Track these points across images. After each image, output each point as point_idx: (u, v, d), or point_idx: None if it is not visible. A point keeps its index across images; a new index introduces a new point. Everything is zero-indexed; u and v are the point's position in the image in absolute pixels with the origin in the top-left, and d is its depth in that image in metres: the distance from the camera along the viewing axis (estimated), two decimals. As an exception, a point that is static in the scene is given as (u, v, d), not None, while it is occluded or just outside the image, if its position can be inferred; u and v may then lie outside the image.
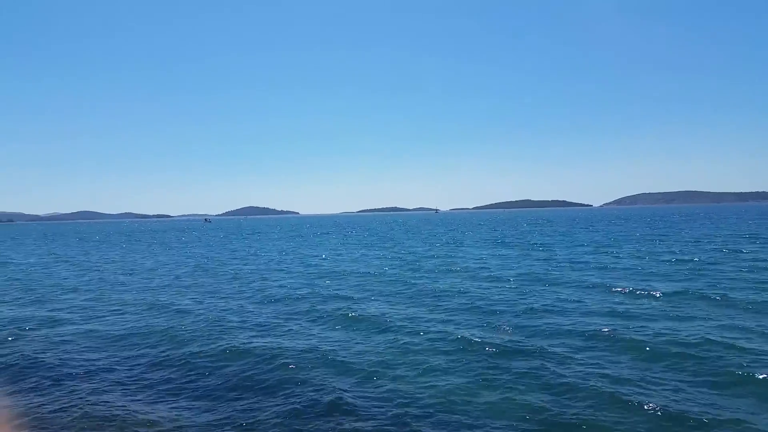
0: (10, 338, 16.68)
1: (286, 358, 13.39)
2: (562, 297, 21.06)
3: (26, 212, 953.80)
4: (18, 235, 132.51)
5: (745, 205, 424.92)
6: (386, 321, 17.47)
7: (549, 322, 16.67)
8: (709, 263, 30.62)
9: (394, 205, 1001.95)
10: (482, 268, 32.35)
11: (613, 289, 22.25)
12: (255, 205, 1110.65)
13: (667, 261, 32.50)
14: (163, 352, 14.72)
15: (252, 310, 20.51)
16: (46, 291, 27.56)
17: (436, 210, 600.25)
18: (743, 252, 36.56)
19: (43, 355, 14.52)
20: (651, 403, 9.83)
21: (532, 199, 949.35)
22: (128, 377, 12.66)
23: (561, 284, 24.46)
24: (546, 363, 12.45)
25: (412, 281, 27.17)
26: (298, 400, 10.64)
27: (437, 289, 23.86)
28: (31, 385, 12.14)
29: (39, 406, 10.81)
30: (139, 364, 13.68)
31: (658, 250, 40.89)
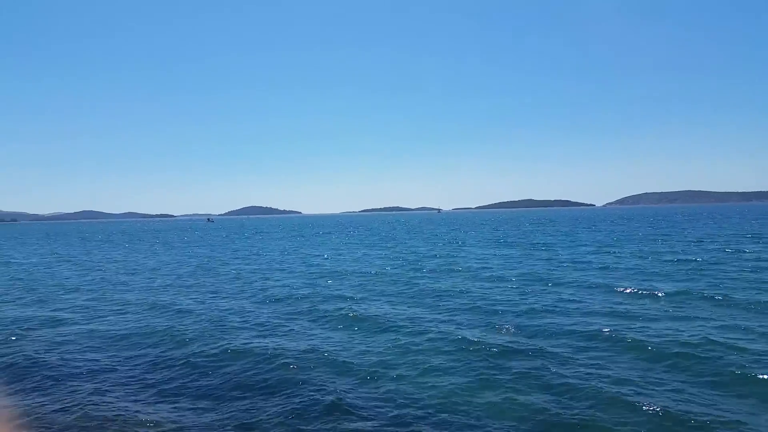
0: (12, 338, 16.71)
1: (288, 358, 13.39)
2: (563, 297, 21.03)
3: (29, 212, 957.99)
4: (21, 235, 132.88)
5: (748, 205, 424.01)
6: (387, 321, 17.46)
7: (550, 323, 16.64)
8: (711, 263, 30.54)
9: (396, 205, 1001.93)
10: (484, 268, 32.32)
11: (615, 290, 22.21)
12: (257, 205, 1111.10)
13: (670, 261, 32.43)
14: (165, 352, 14.74)
15: (253, 310, 20.52)
16: (48, 291, 27.62)
17: (439, 210, 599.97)
18: (746, 252, 36.46)
19: (44, 355, 14.55)
20: (652, 403, 9.80)
21: (535, 199, 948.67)
22: (130, 377, 12.68)
23: (563, 284, 24.42)
24: (547, 363, 12.44)
25: (414, 281, 27.17)
26: (299, 400, 10.64)
27: (439, 289, 23.84)
28: (32, 385, 12.17)
29: (40, 405, 10.83)
30: (140, 364, 13.70)
31: (661, 250, 40.80)
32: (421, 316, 18.51)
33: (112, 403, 10.88)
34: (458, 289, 23.58)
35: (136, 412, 10.38)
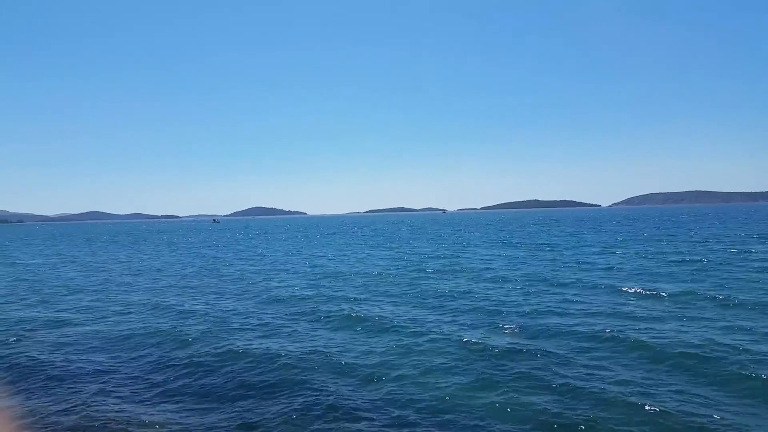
0: (15, 339, 16.77)
1: (290, 358, 13.40)
2: (567, 298, 20.96)
3: (35, 213, 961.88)
4: (27, 236, 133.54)
5: (755, 205, 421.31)
6: (390, 322, 17.43)
7: (554, 323, 16.58)
8: (717, 264, 30.36)
9: (401, 206, 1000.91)
10: (488, 268, 32.25)
11: (620, 290, 22.11)
12: (262, 206, 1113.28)
13: (675, 261, 32.25)
14: (168, 352, 14.75)
15: (256, 310, 20.54)
16: (52, 291, 27.72)
17: (444, 210, 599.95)
18: (752, 252, 36.24)
19: (48, 356, 14.60)
20: (655, 404, 9.75)
21: (540, 199, 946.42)
22: (133, 377, 12.70)
23: (567, 285, 24.32)
24: (551, 364, 12.40)
25: (418, 282, 27.13)
26: (301, 401, 10.63)
27: (442, 290, 23.79)
28: (35, 386, 12.19)
29: (44, 406, 10.86)
30: (143, 365, 13.72)
31: (666, 250, 40.59)
32: (424, 316, 18.48)
33: (115, 403, 10.90)
34: (462, 290, 23.53)
35: (140, 412, 10.40)
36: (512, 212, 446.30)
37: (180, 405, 10.86)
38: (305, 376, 12.16)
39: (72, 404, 10.83)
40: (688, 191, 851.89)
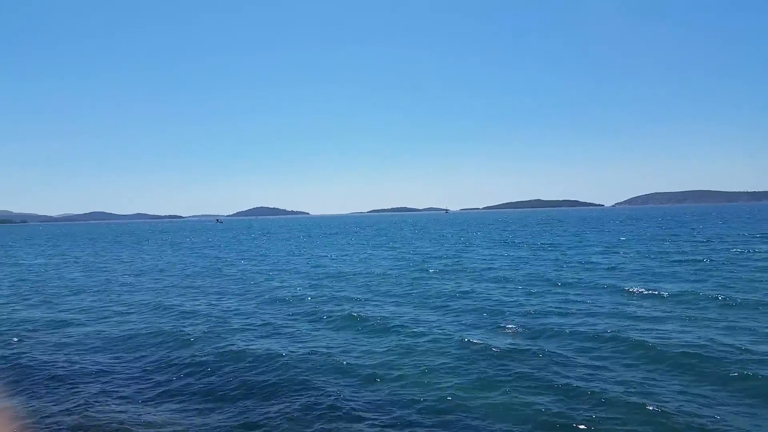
0: (17, 339, 16.82)
1: (292, 358, 13.41)
2: (569, 298, 20.92)
3: (39, 213, 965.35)
4: (30, 236, 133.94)
5: (758, 205, 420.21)
6: (392, 322, 17.42)
7: (556, 323, 16.55)
8: (719, 264, 30.27)
9: (404, 206, 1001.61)
10: (490, 268, 32.22)
11: (622, 290, 22.06)
12: (265, 206, 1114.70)
13: (677, 261, 32.17)
14: (170, 352, 14.77)
15: (258, 311, 20.56)
16: (54, 292, 27.79)
17: (447, 210, 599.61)
18: (755, 252, 36.13)
19: (49, 356, 14.63)
20: (657, 405, 9.72)
21: (543, 199, 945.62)
22: (134, 378, 12.72)
23: (569, 285, 24.28)
24: (552, 364, 12.38)
25: (420, 282, 27.13)
26: (303, 401, 10.63)
27: (444, 290, 23.78)
28: (36, 386, 12.20)
29: (45, 406, 10.87)
30: (145, 365, 13.74)
31: (669, 250, 40.51)
32: (426, 316, 18.47)
33: (117, 403, 10.93)
34: (463, 290, 23.51)
35: (142, 412, 10.42)
36: (515, 212, 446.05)
37: (182, 405, 10.87)
38: (307, 375, 12.16)
39: (74, 404, 10.84)
40: (692, 191, 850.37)
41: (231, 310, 20.61)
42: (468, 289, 23.90)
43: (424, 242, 62.63)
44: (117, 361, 14.19)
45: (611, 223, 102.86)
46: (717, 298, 19.51)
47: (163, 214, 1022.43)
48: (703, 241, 47.73)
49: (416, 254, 45.26)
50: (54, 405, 10.92)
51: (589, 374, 11.69)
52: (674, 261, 32.39)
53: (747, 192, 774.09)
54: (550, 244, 51.85)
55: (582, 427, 9.13)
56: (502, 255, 41.51)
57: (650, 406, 9.67)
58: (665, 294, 20.67)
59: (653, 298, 20.40)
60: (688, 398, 10.20)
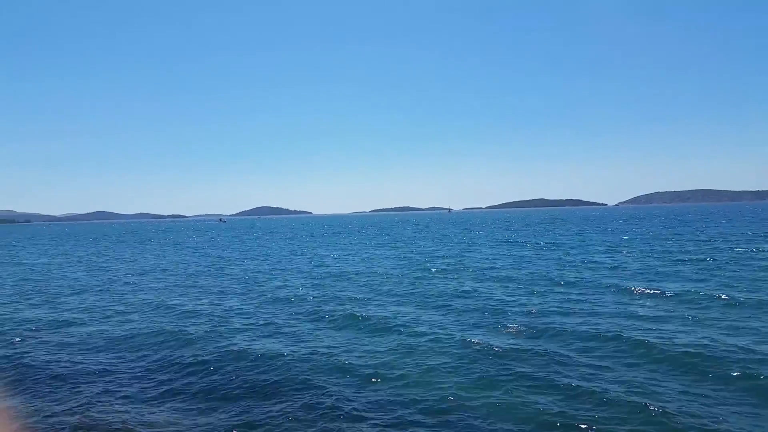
0: (19, 338, 16.87)
1: (293, 358, 13.42)
2: (572, 297, 20.88)
3: (43, 213, 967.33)
4: (33, 236, 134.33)
5: (762, 204, 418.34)
6: (394, 322, 17.42)
7: (558, 323, 16.52)
8: (723, 263, 30.18)
9: (407, 205, 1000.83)
10: (492, 268, 32.18)
11: (625, 290, 22.01)
12: (268, 205, 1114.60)
13: (681, 260, 32.09)
14: (172, 352, 14.79)
15: (260, 310, 20.58)
16: (57, 291, 27.85)
17: (449, 209, 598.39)
18: (759, 251, 36.00)
19: (52, 356, 14.67)
20: (658, 404, 9.70)
21: (546, 198, 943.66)
22: (136, 377, 12.74)
23: (572, 284, 24.24)
24: (554, 364, 12.37)
25: (422, 281, 27.11)
26: (304, 401, 10.64)
27: (446, 290, 23.76)
28: (39, 385, 12.24)
29: (47, 405, 10.90)
30: (147, 364, 13.76)
31: (672, 249, 40.40)
32: (428, 316, 18.46)
33: (119, 403, 10.95)
34: (466, 289, 23.49)
35: (144, 411, 10.45)
36: (518, 211, 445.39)
37: (184, 404, 10.89)
38: (308, 375, 12.17)
39: (76, 403, 10.87)
40: (695, 190, 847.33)
41: (233, 310, 20.63)
42: (470, 288, 23.88)
43: (427, 242, 62.60)
44: (119, 360, 14.22)
45: (614, 223, 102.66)
46: (720, 297, 19.44)
47: (165, 214, 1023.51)
48: (706, 241, 47.59)
49: (419, 254, 45.25)
50: (56, 404, 10.96)
51: (591, 374, 11.66)
52: (677, 260, 32.30)
53: (751, 191, 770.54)
54: (553, 243, 51.77)
55: (584, 426, 9.11)
56: (504, 254, 41.46)
57: (652, 405, 9.65)
58: (668, 293, 20.62)
59: (656, 297, 20.35)
60: (690, 398, 10.17)
